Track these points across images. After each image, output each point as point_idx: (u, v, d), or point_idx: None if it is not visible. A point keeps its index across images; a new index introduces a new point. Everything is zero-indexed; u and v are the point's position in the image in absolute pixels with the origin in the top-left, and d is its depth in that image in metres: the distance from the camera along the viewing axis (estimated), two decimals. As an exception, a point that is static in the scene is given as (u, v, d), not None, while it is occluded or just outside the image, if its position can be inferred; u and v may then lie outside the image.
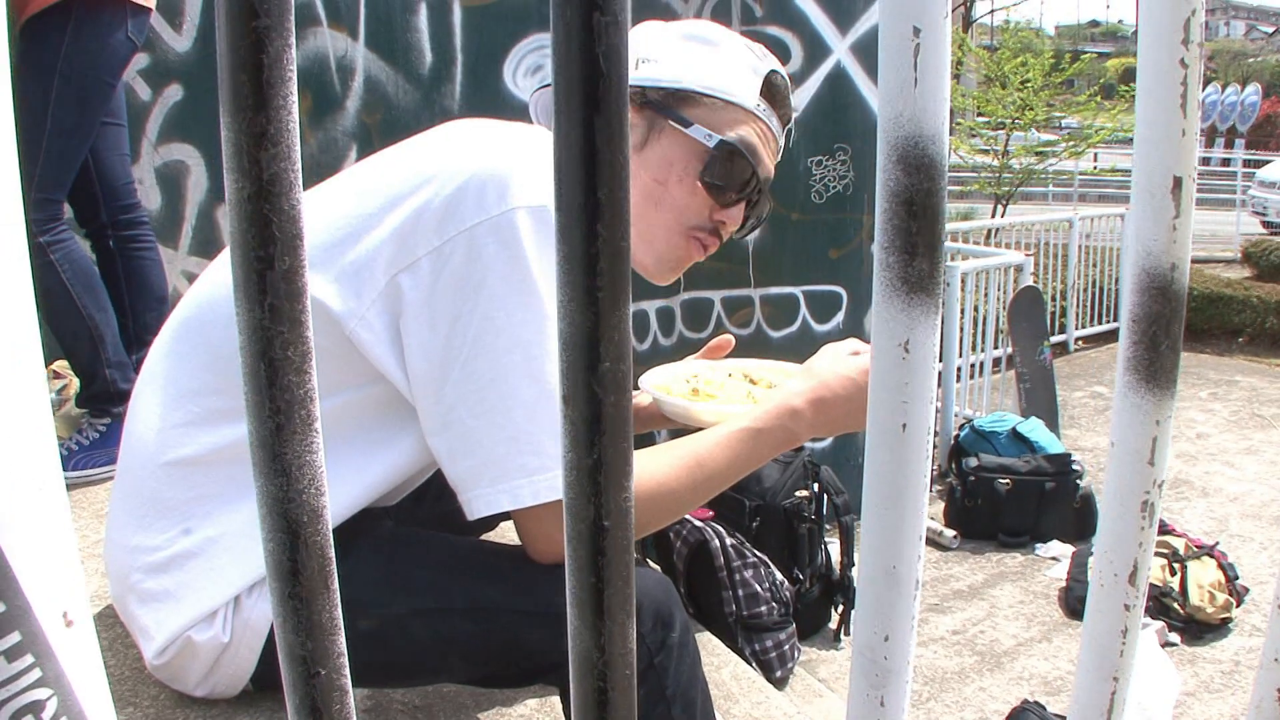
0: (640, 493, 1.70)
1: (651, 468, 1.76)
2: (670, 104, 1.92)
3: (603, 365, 0.43)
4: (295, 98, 0.42)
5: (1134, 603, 0.57)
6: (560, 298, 0.43)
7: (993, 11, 31.04)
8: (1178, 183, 0.51)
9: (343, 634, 0.48)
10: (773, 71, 1.98)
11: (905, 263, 0.46)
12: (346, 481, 1.76)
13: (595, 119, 0.41)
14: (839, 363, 1.95)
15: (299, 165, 0.42)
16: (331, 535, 0.47)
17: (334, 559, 0.48)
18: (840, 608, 4.98)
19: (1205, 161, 33.52)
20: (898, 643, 0.52)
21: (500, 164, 1.66)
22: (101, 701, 0.58)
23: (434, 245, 1.63)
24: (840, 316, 5.75)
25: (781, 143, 2.07)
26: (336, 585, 0.47)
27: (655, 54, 1.94)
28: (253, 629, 1.74)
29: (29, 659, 0.55)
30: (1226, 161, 32.25)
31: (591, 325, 0.42)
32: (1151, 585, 5.28)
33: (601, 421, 0.44)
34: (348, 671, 0.48)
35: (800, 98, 5.39)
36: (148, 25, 3.51)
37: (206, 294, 1.82)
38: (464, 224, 1.62)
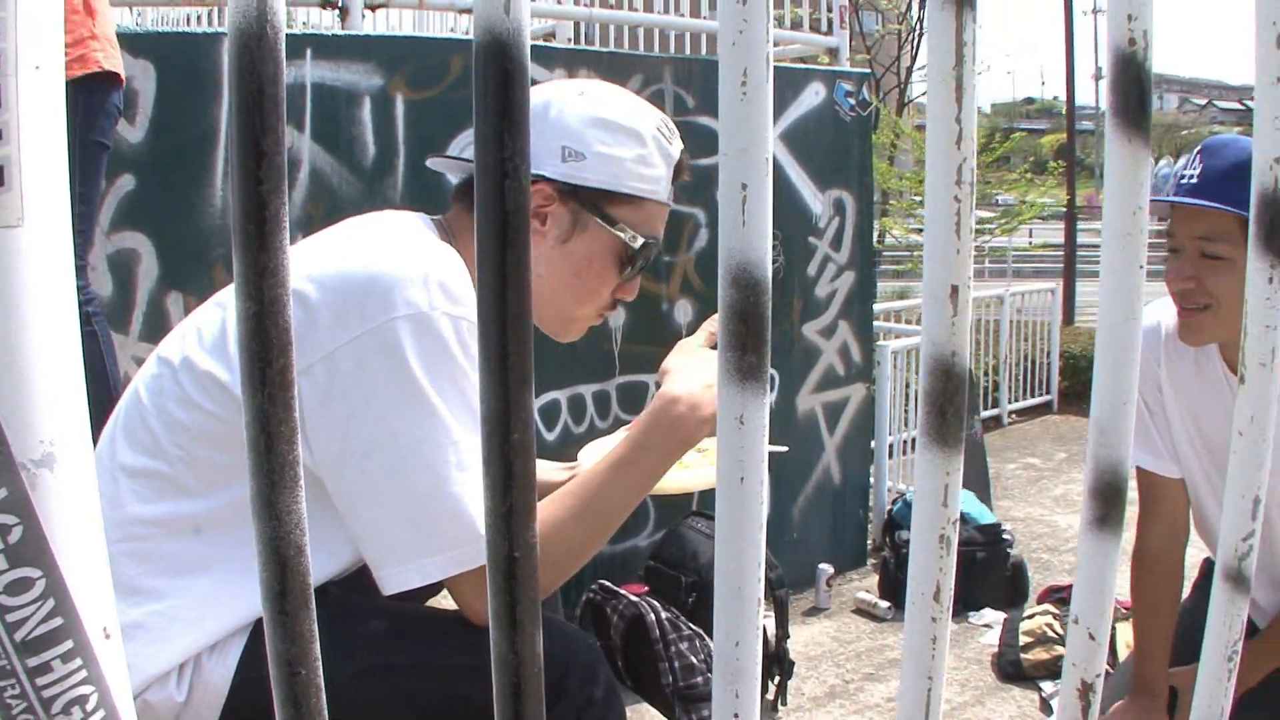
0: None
1: (541, 515, 1.90)
2: (598, 203, 2.03)
3: (513, 436, 0.58)
4: (288, 238, 0.57)
5: (939, 616, 0.73)
6: (481, 386, 0.58)
7: (927, 93, 31.46)
8: (955, 289, 0.68)
9: (318, 643, 0.63)
10: (682, 153, 2.12)
11: (739, 357, 0.62)
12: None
13: (507, 256, 0.56)
14: (700, 354, 2.08)
15: (289, 288, 0.57)
16: (310, 566, 0.62)
17: (312, 585, 0.62)
18: (777, 679, 5.06)
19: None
20: (746, 646, 0.68)
21: (383, 271, 1.80)
22: (127, 703, 0.73)
23: (326, 351, 1.77)
24: (773, 396, 5.86)
25: None
26: (314, 604, 0.62)
27: (582, 145, 2.02)
28: (213, 690, 1.85)
29: (79, 662, 0.71)
30: (1160, 234, 32.70)
31: (504, 406, 0.58)
32: (1082, 648, 5.40)
33: (513, 478, 0.59)
34: (321, 672, 0.63)
35: (731, 186, 5.54)
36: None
37: (149, 384, 1.95)
38: (351, 333, 1.77)
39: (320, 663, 0.63)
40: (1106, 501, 0.79)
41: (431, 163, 2.33)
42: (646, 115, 2.10)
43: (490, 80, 0.55)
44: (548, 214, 2.04)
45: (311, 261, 1.87)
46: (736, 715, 0.69)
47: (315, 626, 0.62)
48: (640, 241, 2.05)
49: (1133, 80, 0.73)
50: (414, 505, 1.79)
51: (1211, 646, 0.97)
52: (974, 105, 0.67)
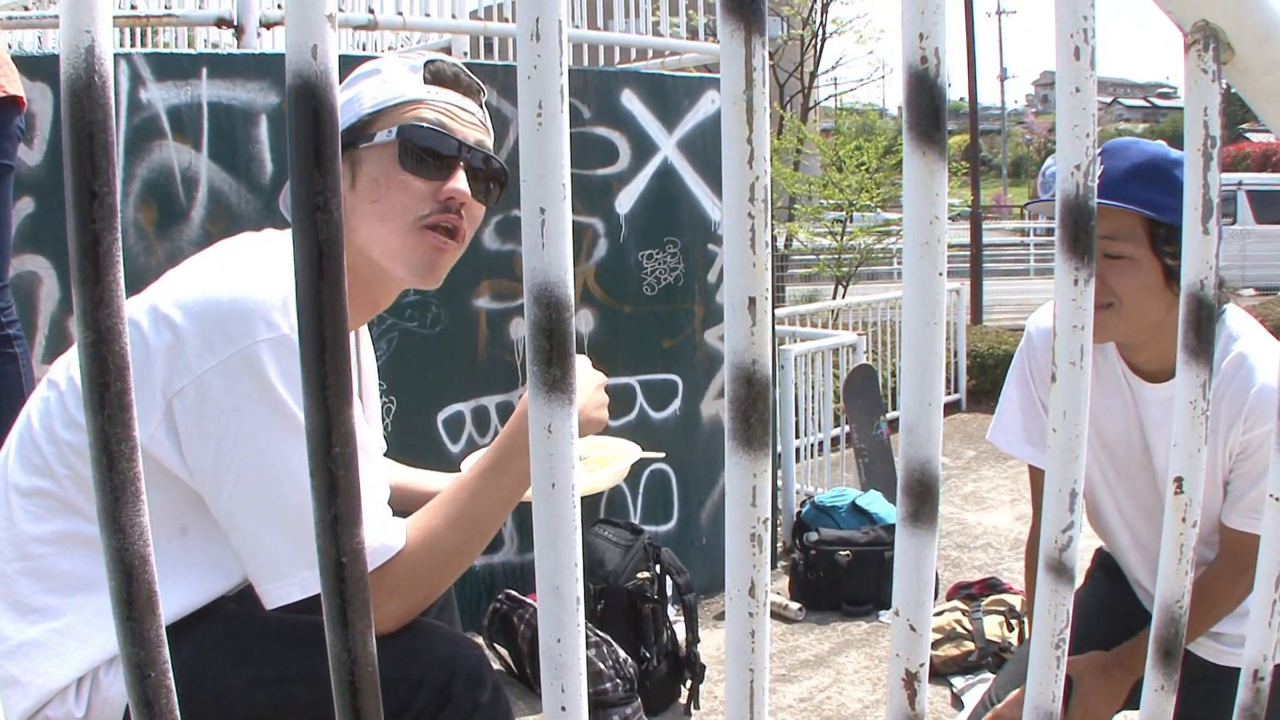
0: (413, 548, 1.89)
1: (418, 524, 1.96)
2: (355, 135, 2.07)
3: (334, 449, 0.63)
4: (121, 274, 0.62)
5: (757, 611, 0.79)
6: (304, 404, 0.63)
7: (834, 95, 31.55)
8: (752, 301, 0.74)
9: (166, 648, 0.67)
10: (430, 61, 2.14)
11: (545, 369, 0.67)
12: (189, 578, 1.94)
13: (322, 284, 0.61)
14: None
15: (125, 318, 0.62)
16: (156, 575, 0.67)
17: (158, 592, 0.66)
18: (689, 683, 5.10)
19: (1049, 233, 34.20)
20: (568, 643, 0.73)
21: (245, 296, 1.85)
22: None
23: (196, 374, 1.82)
24: (677, 403, 5.92)
25: (478, 114, 2.20)
26: (161, 611, 0.66)
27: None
28: (111, 705, 1.89)
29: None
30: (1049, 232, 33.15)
31: (325, 422, 0.63)
32: (990, 641, 5.46)
33: (336, 488, 0.64)
34: (171, 674, 0.67)
35: (629, 194, 5.62)
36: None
37: (39, 407, 1.99)
38: (218, 356, 1.81)
39: (170, 665, 0.67)
40: (918, 498, 0.85)
41: (283, 201, 2.36)
42: (395, 55, 2.18)
43: (301, 121, 0.61)
44: None
45: (180, 288, 1.91)
46: (564, 708, 0.74)
47: (162, 631, 0.66)
48: (395, 129, 2.05)
49: (926, 96, 0.79)
50: (289, 520, 1.84)
51: (1039, 635, 1.03)
52: (765, 126, 0.72)
